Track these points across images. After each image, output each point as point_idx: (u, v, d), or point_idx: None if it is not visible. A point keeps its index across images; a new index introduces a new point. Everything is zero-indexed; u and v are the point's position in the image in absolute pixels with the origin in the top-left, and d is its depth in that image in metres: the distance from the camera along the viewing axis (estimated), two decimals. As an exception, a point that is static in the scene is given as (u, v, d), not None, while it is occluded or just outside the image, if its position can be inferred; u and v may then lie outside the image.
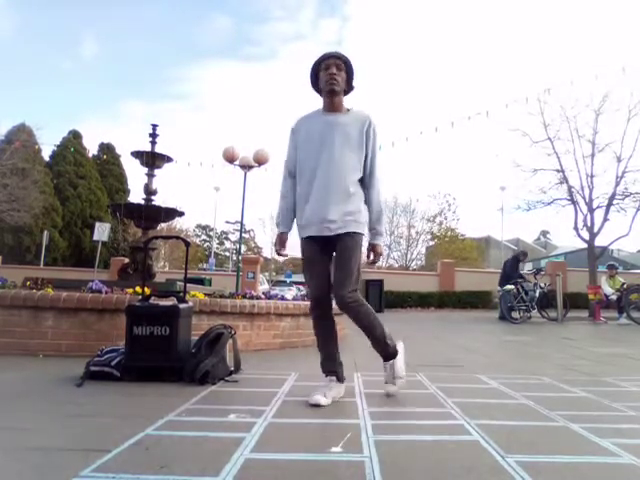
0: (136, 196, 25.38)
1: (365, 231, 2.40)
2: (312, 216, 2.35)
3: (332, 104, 2.42)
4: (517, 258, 10.76)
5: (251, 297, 4.55)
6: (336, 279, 2.31)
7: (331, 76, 2.35)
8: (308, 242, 2.39)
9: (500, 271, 11.26)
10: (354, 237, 2.32)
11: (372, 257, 2.43)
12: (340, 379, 2.39)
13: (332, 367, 2.39)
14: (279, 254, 2.56)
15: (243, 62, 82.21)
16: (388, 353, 2.42)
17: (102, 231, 15.46)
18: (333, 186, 2.32)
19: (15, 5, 52.74)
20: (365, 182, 2.42)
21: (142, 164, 5.98)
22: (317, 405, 2.17)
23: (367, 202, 2.41)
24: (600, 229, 13.94)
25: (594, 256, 13.90)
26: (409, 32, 67.70)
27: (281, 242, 2.52)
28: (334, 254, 2.37)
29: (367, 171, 2.41)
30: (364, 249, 2.45)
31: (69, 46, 68.43)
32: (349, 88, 2.47)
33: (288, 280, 30.84)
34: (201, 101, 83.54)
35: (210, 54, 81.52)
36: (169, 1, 72.53)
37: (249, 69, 79.54)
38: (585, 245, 14.35)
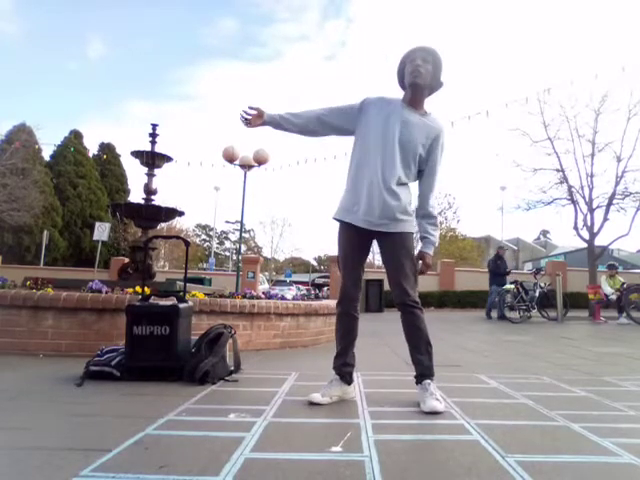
0: (136, 196, 25.47)
1: (413, 229, 2.31)
2: (357, 204, 2.24)
3: (414, 99, 2.27)
4: (500, 254, 11.03)
5: (251, 297, 4.55)
6: (394, 280, 2.26)
7: (415, 67, 2.21)
8: (348, 230, 2.29)
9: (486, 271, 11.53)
10: (403, 236, 2.25)
11: (421, 267, 2.30)
12: (344, 379, 2.33)
13: (337, 365, 2.36)
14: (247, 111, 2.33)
15: (247, 63, 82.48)
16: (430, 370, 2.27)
17: (102, 231, 15.48)
18: (384, 180, 2.20)
19: (23, 8, 52.83)
20: (422, 187, 2.34)
21: (142, 164, 5.98)
22: (313, 403, 2.18)
23: (421, 207, 2.34)
24: (600, 229, 13.93)
25: (594, 256, 13.89)
26: (411, 33, 67.65)
27: (259, 113, 2.32)
28: (382, 251, 2.33)
29: (425, 177, 2.32)
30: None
31: (76, 47, 68.80)
32: (436, 84, 2.31)
33: (288, 279, 30.87)
34: (203, 101, 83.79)
35: (214, 55, 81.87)
36: (175, 2, 72.70)
37: (253, 70, 79.78)
38: (585, 245, 14.33)
